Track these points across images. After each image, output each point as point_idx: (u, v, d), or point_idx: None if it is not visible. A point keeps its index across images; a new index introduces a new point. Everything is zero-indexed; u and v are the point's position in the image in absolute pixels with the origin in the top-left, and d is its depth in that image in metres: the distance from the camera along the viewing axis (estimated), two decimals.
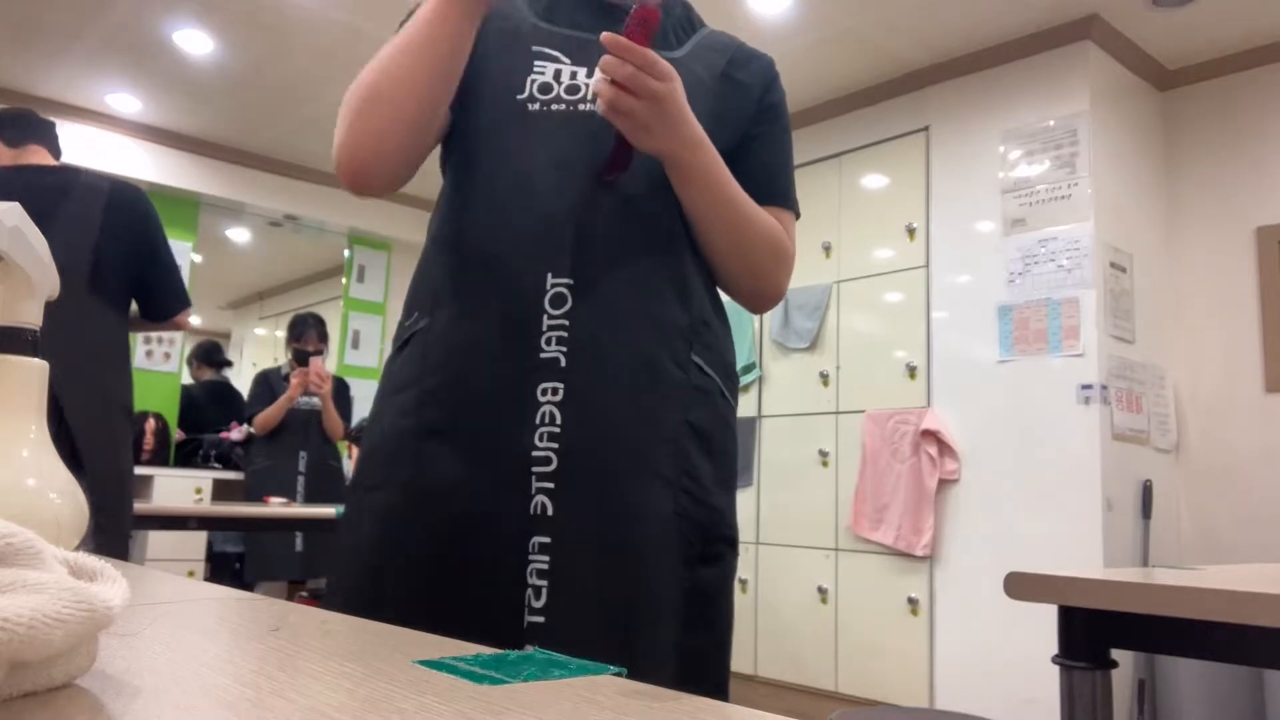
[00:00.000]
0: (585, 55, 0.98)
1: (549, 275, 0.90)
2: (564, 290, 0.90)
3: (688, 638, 0.92)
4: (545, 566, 0.86)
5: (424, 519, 0.89)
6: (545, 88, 0.97)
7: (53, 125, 2.30)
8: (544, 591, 0.85)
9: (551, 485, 0.87)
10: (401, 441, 0.92)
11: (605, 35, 0.85)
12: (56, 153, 2.28)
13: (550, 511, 0.87)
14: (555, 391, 0.88)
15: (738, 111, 1.03)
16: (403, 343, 0.97)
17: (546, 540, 0.86)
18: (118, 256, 2.14)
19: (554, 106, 0.96)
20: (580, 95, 0.96)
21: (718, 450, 0.98)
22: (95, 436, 1.99)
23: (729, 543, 0.98)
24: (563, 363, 0.89)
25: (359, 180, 0.95)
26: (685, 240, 0.99)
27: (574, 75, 0.97)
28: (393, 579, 0.89)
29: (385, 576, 0.89)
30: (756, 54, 1.10)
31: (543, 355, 0.89)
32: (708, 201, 0.97)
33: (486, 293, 0.92)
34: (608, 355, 0.90)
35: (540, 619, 0.85)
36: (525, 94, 0.96)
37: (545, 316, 0.90)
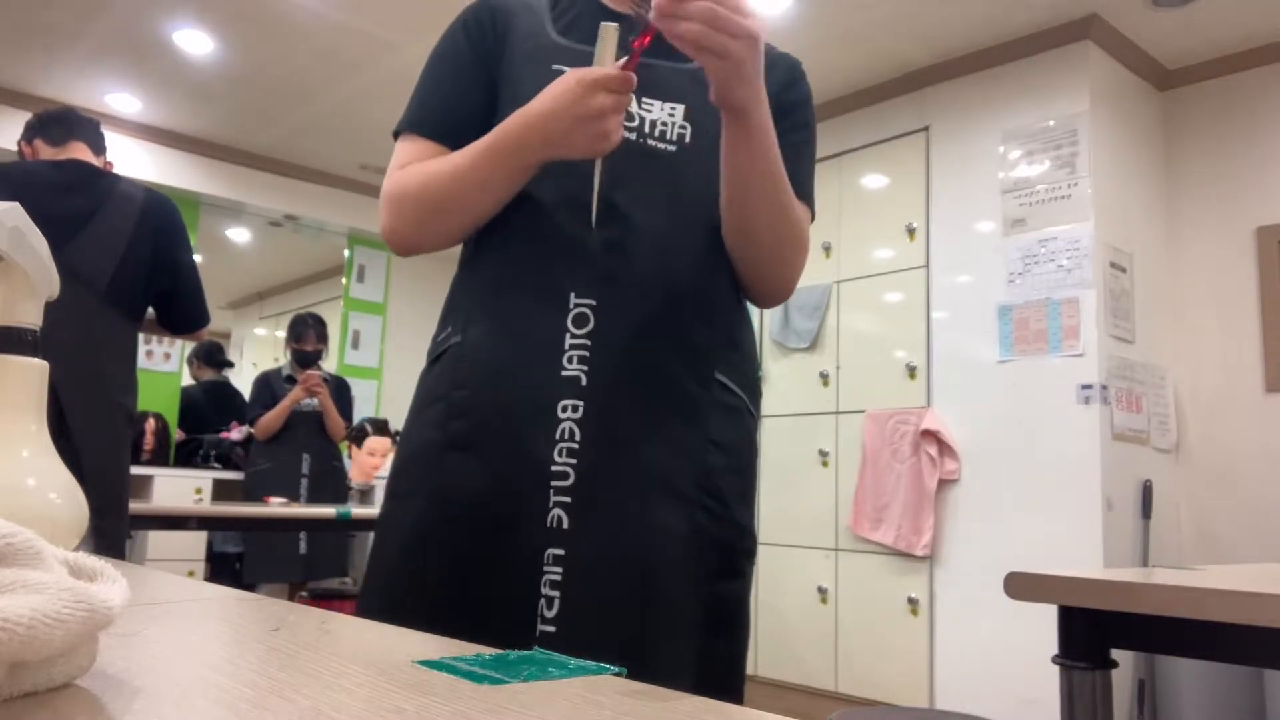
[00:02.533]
0: None
1: (572, 295, 0.92)
2: (586, 310, 0.92)
3: (706, 649, 0.93)
4: (558, 578, 0.88)
5: (447, 527, 0.92)
6: None
7: (96, 124, 2.29)
8: (556, 602, 0.88)
9: (569, 500, 0.89)
10: (429, 453, 0.95)
11: None
12: (99, 150, 2.26)
13: (566, 525, 0.89)
14: (575, 409, 0.90)
15: None
16: (435, 357, 1.01)
17: (561, 553, 0.88)
18: (141, 267, 2.15)
19: None
20: None
21: (744, 466, 0.99)
22: (96, 439, 1.99)
23: (749, 555, 0.99)
24: (583, 381, 0.91)
25: (410, 253, 1.02)
26: (713, 260, 0.99)
27: None
28: (417, 584, 0.92)
29: (411, 581, 0.93)
30: (780, 56, 1.08)
31: (564, 373, 0.91)
32: (760, 170, 0.93)
33: (513, 311, 0.95)
34: (627, 375, 0.92)
35: (552, 629, 0.87)
36: None
37: (568, 335, 0.92)
